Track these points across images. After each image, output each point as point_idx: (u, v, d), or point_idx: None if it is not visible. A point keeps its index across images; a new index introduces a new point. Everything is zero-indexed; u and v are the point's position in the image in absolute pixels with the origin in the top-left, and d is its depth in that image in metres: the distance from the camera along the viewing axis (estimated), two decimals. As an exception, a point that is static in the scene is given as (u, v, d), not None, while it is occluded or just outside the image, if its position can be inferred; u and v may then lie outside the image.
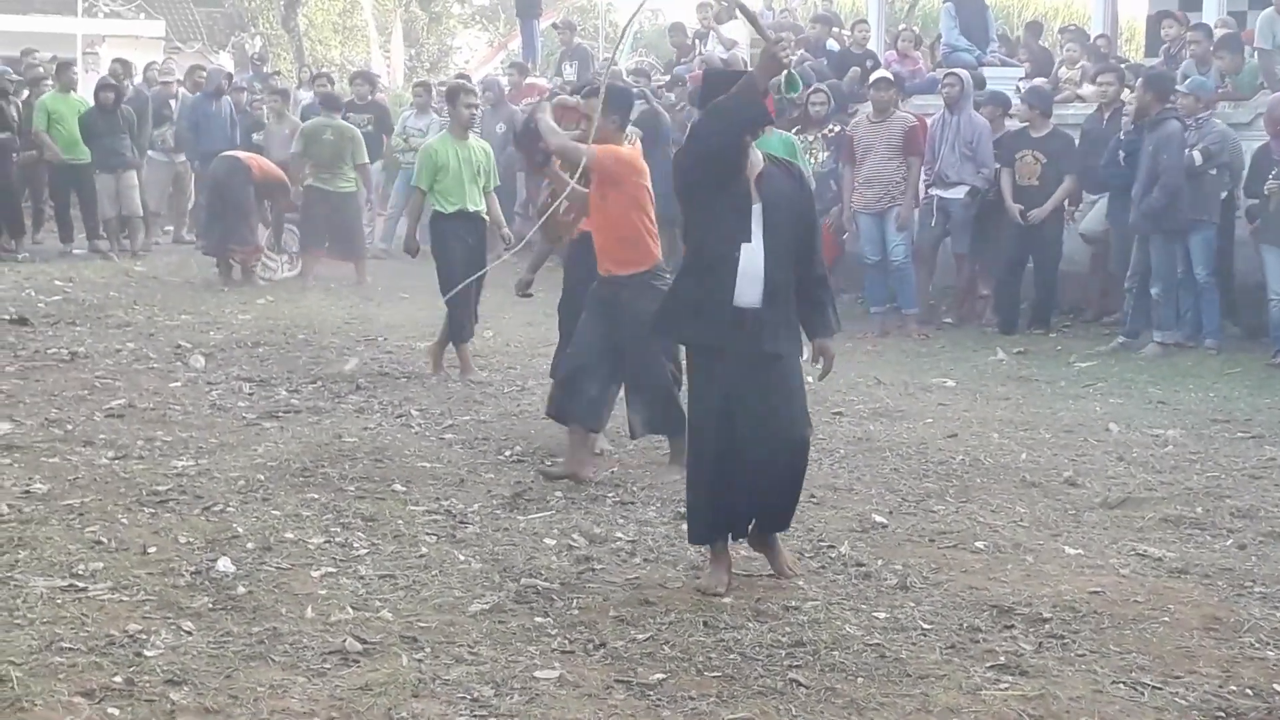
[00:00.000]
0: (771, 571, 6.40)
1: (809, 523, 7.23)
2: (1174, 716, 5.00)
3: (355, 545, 6.70)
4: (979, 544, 6.98)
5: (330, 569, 6.33)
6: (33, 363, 10.89)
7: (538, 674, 5.20)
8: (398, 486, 7.76)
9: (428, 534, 6.92)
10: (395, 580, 6.22)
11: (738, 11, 5.95)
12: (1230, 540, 7.15)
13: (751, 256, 6.06)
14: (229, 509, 7.19)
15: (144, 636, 5.40)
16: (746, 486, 6.22)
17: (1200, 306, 12.40)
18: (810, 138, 14.23)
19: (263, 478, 7.79)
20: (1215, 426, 9.67)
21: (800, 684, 5.18)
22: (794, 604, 6.02)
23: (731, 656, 5.44)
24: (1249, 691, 5.21)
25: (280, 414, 9.48)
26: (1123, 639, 5.71)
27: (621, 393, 8.30)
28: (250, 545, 6.61)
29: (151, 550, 6.47)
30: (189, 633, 5.49)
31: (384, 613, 5.79)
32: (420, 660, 5.30)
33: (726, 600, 6.04)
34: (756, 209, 6.09)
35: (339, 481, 7.80)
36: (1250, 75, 13.72)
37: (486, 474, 8.13)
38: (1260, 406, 10.25)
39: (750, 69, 6.37)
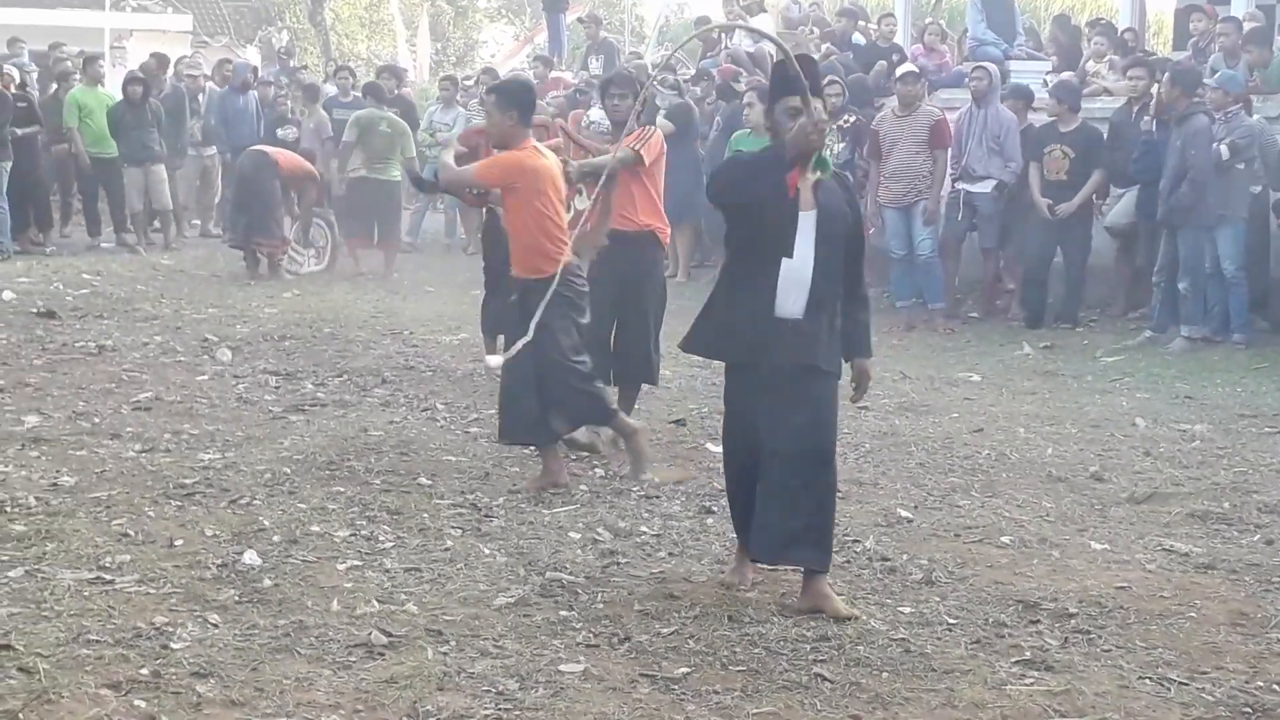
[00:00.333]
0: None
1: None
2: (1200, 712, 4.99)
3: (381, 538, 6.71)
4: (1005, 539, 6.97)
5: (356, 562, 6.34)
6: (60, 356, 10.93)
7: (562, 668, 5.20)
8: (423, 480, 7.77)
9: (453, 527, 6.93)
10: (420, 573, 6.23)
11: (794, 66, 5.77)
12: (1258, 535, 7.12)
13: (797, 267, 5.79)
14: (255, 502, 7.22)
15: (170, 629, 5.42)
16: (775, 503, 5.88)
17: (1228, 301, 12.34)
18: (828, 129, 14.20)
19: (289, 471, 7.81)
20: (1243, 421, 9.64)
21: (825, 678, 5.17)
22: (819, 598, 6.01)
23: (756, 651, 5.43)
24: (1276, 687, 5.19)
25: (306, 407, 9.50)
26: (1149, 634, 5.69)
27: None
28: (276, 538, 6.62)
29: (178, 543, 6.49)
30: (215, 625, 5.50)
31: (409, 606, 5.80)
32: (445, 653, 5.30)
33: (751, 595, 6.04)
34: (810, 216, 5.80)
35: (365, 475, 7.82)
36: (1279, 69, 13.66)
37: (511, 468, 8.13)
38: (1288, 401, 10.22)
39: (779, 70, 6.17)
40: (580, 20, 25.31)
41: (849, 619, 5.74)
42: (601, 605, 5.90)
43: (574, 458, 8.27)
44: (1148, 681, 5.23)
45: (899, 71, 14.38)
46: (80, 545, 6.39)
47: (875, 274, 14.56)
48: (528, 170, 7.67)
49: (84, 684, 4.86)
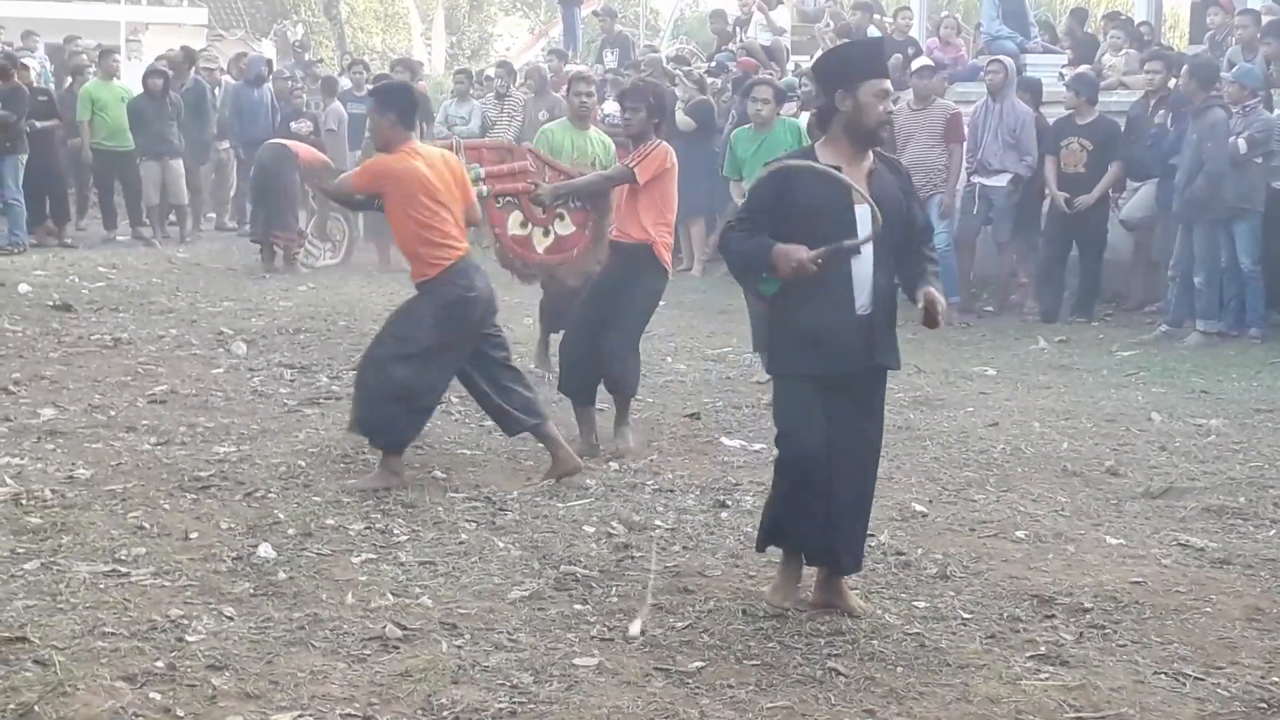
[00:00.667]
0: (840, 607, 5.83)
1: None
2: (1216, 707, 4.98)
3: (395, 532, 6.72)
4: (1020, 533, 6.96)
5: (370, 555, 6.35)
6: (76, 349, 10.95)
7: (577, 661, 5.21)
8: (438, 473, 7.78)
9: (467, 521, 6.94)
10: (435, 567, 6.24)
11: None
12: (1273, 530, 7.11)
13: (862, 265, 5.58)
14: (270, 495, 7.23)
15: (186, 622, 5.44)
16: (851, 513, 5.78)
17: (1244, 296, 12.30)
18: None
19: (304, 464, 7.82)
20: (1258, 416, 9.61)
21: (839, 673, 5.17)
22: (833, 593, 6.00)
23: (771, 645, 5.43)
24: (1292, 683, 5.18)
25: (321, 400, 9.52)
26: (1164, 629, 5.68)
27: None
28: (291, 531, 6.63)
29: (193, 536, 6.51)
30: (230, 618, 5.52)
31: (424, 599, 5.81)
32: (460, 647, 5.31)
33: (765, 589, 6.02)
34: (865, 211, 5.53)
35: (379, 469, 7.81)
36: (1297, 62, 13.61)
37: (526, 461, 8.13)
38: (1304, 396, 10.19)
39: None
40: (595, 14, 25.32)
41: (862, 615, 5.72)
42: (616, 599, 5.90)
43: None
44: (1163, 676, 5.22)
45: (914, 65, 14.36)
46: (96, 538, 6.41)
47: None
48: (393, 175, 7.51)
49: (99, 676, 4.87)
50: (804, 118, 12.15)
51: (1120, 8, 22.24)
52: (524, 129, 17.77)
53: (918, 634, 5.55)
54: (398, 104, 7.63)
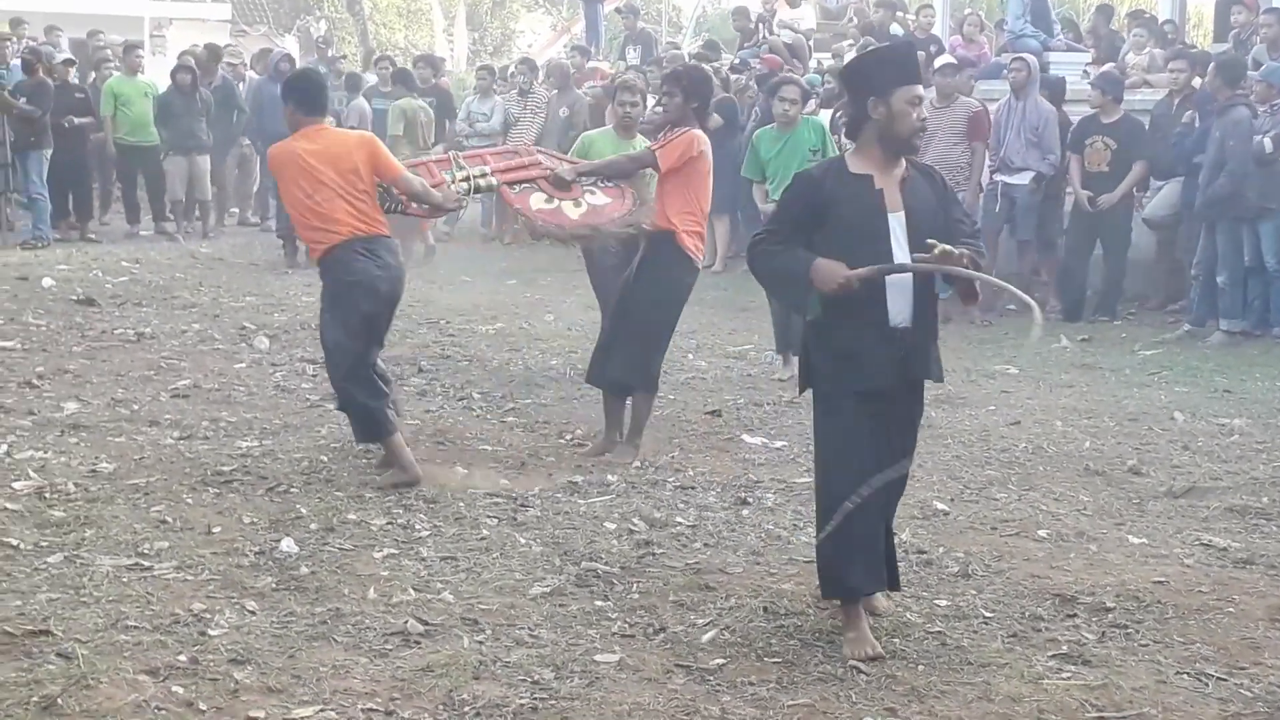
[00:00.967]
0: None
1: (870, 509, 7.22)
2: (1238, 708, 4.96)
3: (417, 527, 6.73)
4: (1041, 532, 6.94)
5: (392, 550, 6.37)
6: (100, 343, 10.99)
7: (598, 657, 5.21)
8: (459, 469, 7.78)
9: (489, 517, 6.95)
10: (456, 562, 6.24)
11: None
12: (1297, 531, 7.09)
13: (901, 276, 5.35)
14: (292, 490, 7.24)
15: (208, 616, 5.45)
16: (880, 538, 5.58)
17: (1268, 295, 12.25)
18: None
19: (326, 459, 7.84)
20: (1282, 416, 9.58)
21: (861, 671, 5.16)
22: (855, 590, 6.00)
23: (792, 643, 5.43)
24: (1315, 684, 5.17)
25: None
26: (1187, 629, 5.67)
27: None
28: (313, 526, 6.65)
29: (216, 530, 6.53)
30: (253, 612, 5.53)
31: (445, 594, 5.82)
32: (481, 642, 5.32)
33: (786, 587, 6.03)
34: (898, 218, 5.37)
35: (401, 463, 7.83)
36: (1322, 61, 13.55)
37: (547, 457, 8.14)
38: (1328, 396, 10.15)
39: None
40: (618, 10, 25.33)
41: (884, 614, 5.68)
42: (637, 595, 5.90)
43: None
44: (1185, 677, 5.20)
45: (937, 63, 14.33)
46: (119, 532, 6.43)
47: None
48: (275, 160, 7.66)
49: (122, 670, 4.89)
50: (824, 115, 12.16)
51: (1144, 6, 22.12)
52: (546, 126, 17.80)
53: (939, 632, 5.54)
54: (295, 92, 7.71)
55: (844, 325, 5.40)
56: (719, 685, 5.03)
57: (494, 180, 8.53)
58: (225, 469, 7.56)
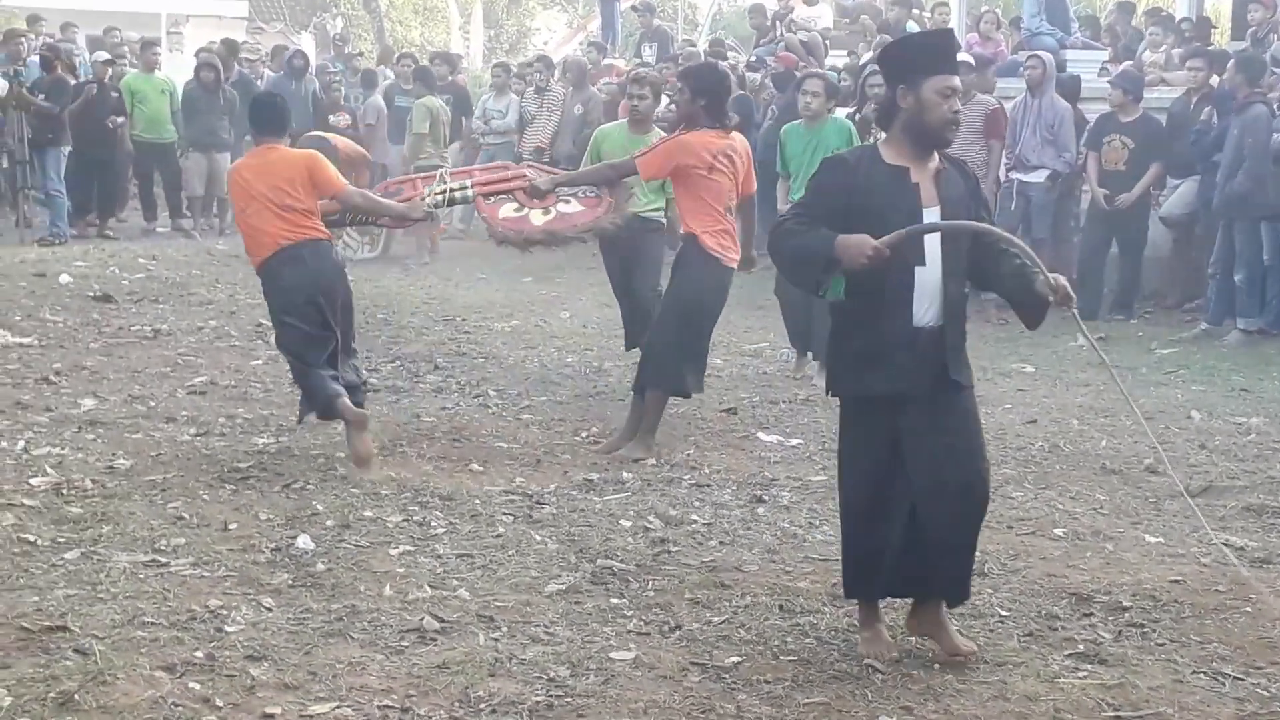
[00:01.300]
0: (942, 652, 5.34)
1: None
2: (1255, 707, 4.95)
3: (433, 524, 6.74)
4: (1058, 531, 6.93)
5: (408, 547, 6.37)
6: (117, 340, 11.02)
7: (613, 655, 5.21)
8: (475, 466, 7.80)
9: (504, 514, 6.96)
10: (472, 559, 6.25)
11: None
12: (1314, 530, 7.07)
13: (929, 271, 5.15)
14: (309, 486, 7.26)
15: (225, 612, 5.47)
16: (916, 544, 5.26)
17: (1286, 294, 12.23)
18: (871, 118, 14.12)
19: (342, 455, 7.84)
20: (1299, 415, 9.56)
21: (876, 669, 5.16)
22: (870, 589, 5.99)
23: (807, 641, 5.43)
24: (1332, 684, 5.15)
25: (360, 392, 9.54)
26: (1203, 628, 5.65)
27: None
28: (330, 523, 6.66)
29: (232, 527, 6.54)
30: (269, 609, 5.54)
31: (461, 592, 5.82)
32: (497, 639, 5.32)
33: (802, 585, 6.03)
34: (934, 214, 5.16)
35: (417, 460, 7.86)
36: (1340, 59, 13.52)
37: (563, 455, 8.15)
38: (1346, 395, 10.12)
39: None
40: (634, 8, 25.30)
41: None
42: (652, 593, 5.90)
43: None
44: (1202, 676, 5.19)
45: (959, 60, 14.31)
46: (136, 528, 6.45)
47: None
48: (227, 180, 8.18)
49: (139, 666, 4.90)
50: (841, 113, 12.12)
51: (1162, 4, 22.06)
52: (562, 123, 17.79)
53: (955, 631, 5.53)
54: (251, 114, 8.45)
55: (866, 326, 5.20)
56: (734, 683, 5.03)
57: (470, 193, 8.65)
58: (242, 465, 7.58)
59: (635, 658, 5.20)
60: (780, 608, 5.75)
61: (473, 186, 8.70)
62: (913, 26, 18.12)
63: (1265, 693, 5.05)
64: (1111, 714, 4.86)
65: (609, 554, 6.37)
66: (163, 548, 6.20)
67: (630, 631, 5.48)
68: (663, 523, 6.90)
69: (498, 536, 6.59)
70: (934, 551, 5.26)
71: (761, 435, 8.73)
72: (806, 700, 4.90)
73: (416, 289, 14.39)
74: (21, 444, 7.80)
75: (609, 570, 6.15)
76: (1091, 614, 5.80)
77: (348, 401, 7.75)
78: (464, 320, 12.57)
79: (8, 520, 6.45)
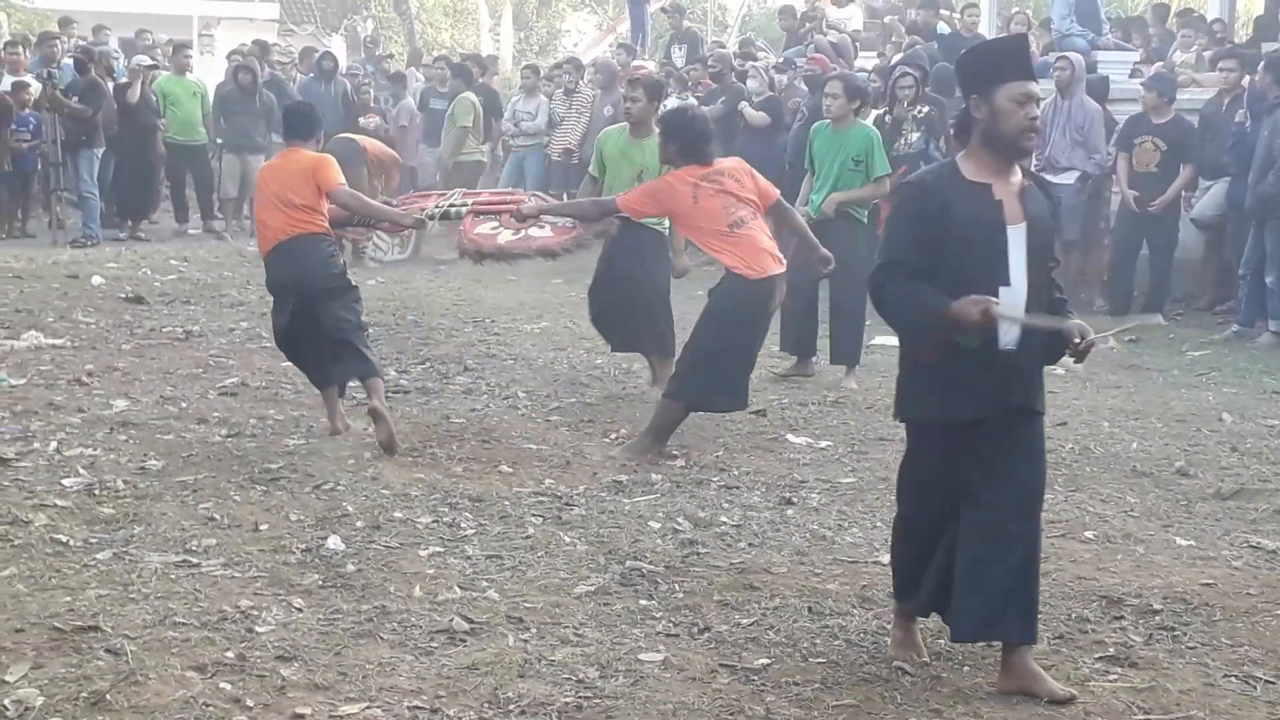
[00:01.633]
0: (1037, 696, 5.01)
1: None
2: (1287, 712, 4.93)
3: (463, 525, 6.75)
4: (1088, 534, 6.91)
5: (438, 548, 6.39)
6: (148, 341, 11.07)
7: (642, 656, 5.21)
8: (504, 468, 7.81)
9: (534, 515, 6.97)
10: (502, 561, 6.26)
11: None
12: (1346, 534, 7.03)
13: (1013, 295, 4.94)
14: (339, 487, 7.28)
15: (255, 612, 5.48)
16: (981, 575, 5.02)
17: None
18: (903, 119, 14.10)
19: (371, 457, 7.87)
20: (1331, 418, 9.51)
21: (906, 672, 5.15)
22: (900, 591, 5.98)
23: (837, 643, 5.43)
24: (1365, 688, 5.13)
25: (389, 394, 9.52)
26: (1235, 632, 5.63)
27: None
28: (360, 524, 6.68)
29: (263, 527, 6.57)
30: (299, 609, 5.56)
31: (490, 593, 5.83)
32: (526, 641, 5.33)
33: (831, 587, 6.02)
34: (1020, 230, 4.97)
35: (447, 462, 7.87)
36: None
37: (592, 456, 8.15)
38: (1379, 398, 10.07)
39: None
40: (663, 10, 25.32)
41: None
42: (681, 595, 5.91)
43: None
44: (1233, 679, 5.17)
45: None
46: (167, 528, 6.48)
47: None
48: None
49: (170, 666, 4.92)
50: (874, 114, 12.11)
51: (1193, 5, 21.98)
52: (591, 124, 17.79)
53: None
54: (283, 120, 8.97)
55: (951, 347, 4.99)
56: (763, 685, 5.03)
57: (463, 210, 8.99)
58: (273, 466, 7.61)
59: (664, 659, 5.20)
60: (809, 610, 5.75)
61: (473, 205, 9.03)
62: (942, 28, 18.11)
63: (1297, 696, 5.04)
64: (1142, 717, 4.85)
65: (638, 555, 6.37)
66: (194, 548, 6.22)
67: (659, 633, 5.48)
68: (692, 524, 6.91)
69: (527, 538, 6.60)
70: (998, 583, 5.00)
71: (790, 437, 8.72)
72: (835, 702, 4.90)
73: (446, 291, 14.42)
74: (54, 445, 7.85)
75: (638, 572, 6.15)
76: (1122, 617, 5.79)
77: (337, 403, 8.50)
78: (493, 322, 12.60)
79: (40, 521, 6.49)
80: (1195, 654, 5.41)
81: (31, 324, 11.35)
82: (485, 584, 5.94)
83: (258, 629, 5.33)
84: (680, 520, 6.95)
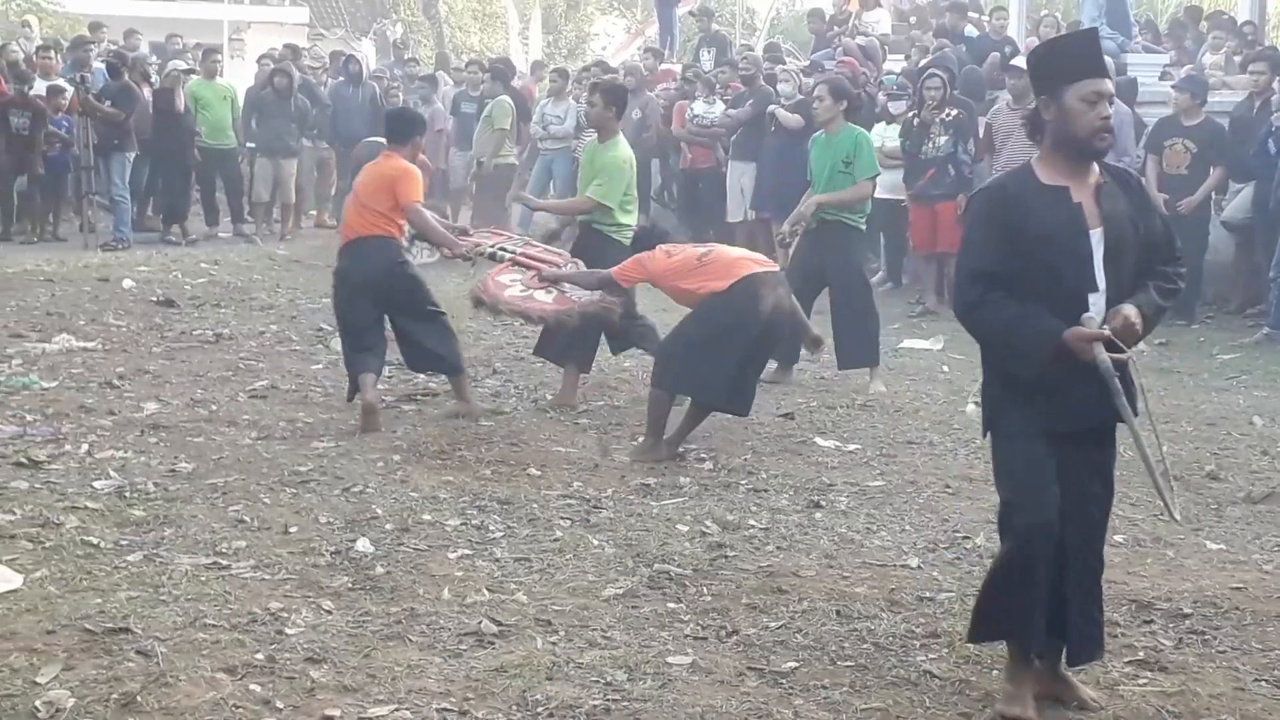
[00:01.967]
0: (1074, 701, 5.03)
1: (944, 513, 7.20)
2: (1318, 717, 4.91)
3: (491, 528, 6.76)
4: (1118, 537, 6.88)
5: (466, 551, 6.40)
6: (179, 344, 11.12)
7: (670, 659, 5.22)
8: (533, 470, 7.81)
9: (562, 518, 6.97)
10: (530, 563, 6.27)
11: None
12: (1378, 538, 6.99)
13: (1103, 300, 4.74)
14: (368, 490, 7.30)
15: (285, 615, 5.50)
16: (1090, 596, 4.97)
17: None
18: (930, 122, 14.08)
19: (400, 459, 7.89)
20: (1362, 421, 9.46)
21: (934, 675, 5.15)
22: (929, 595, 5.98)
23: (865, 646, 5.42)
24: (1396, 693, 5.10)
25: (418, 397, 9.60)
26: (1265, 636, 5.61)
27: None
28: (389, 526, 6.70)
29: (293, 530, 6.59)
30: (329, 612, 5.58)
31: (519, 595, 5.84)
32: (554, 643, 5.34)
33: (859, 590, 6.01)
34: (1098, 234, 4.74)
35: (475, 464, 7.88)
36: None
37: (621, 459, 8.16)
38: None
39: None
40: (691, 13, 25.31)
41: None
42: (709, 598, 5.91)
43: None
44: (1264, 684, 5.15)
45: (1011, 64, 14.26)
46: (197, 531, 6.50)
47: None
48: None
49: (200, 667, 4.94)
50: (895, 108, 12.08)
51: (1224, 8, 21.90)
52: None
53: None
54: (386, 125, 9.72)
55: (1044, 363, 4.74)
56: (791, 688, 5.03)
57: (507, 255, 9.43)
58: (302, 469, 7.63)
59: (692, 662, 5.20)
60: (837, 613, 5.74)
61: (518, 255, 9.43)
62: (970, 31, 18.08)
63: (1328, 701, 5.01)
64: (1171, 722, 4.84)
65: (666, 558, 6.37)
66: (224, 550, 6.25)
67: (687, 636, 5.49)
68: (720, 527, 6.91)
69: (555, 541, 6.61)
70: (1070, 601, 4.90)
71: (819, 440, 8.72)
72: (864, 706, 4.89)
73: (475, 294, 14.42)
74: (85, 447, 7.89)
75: (666, 575, 6.15)
76: (1152, 621, 5.77)
77: (368, 384, 8.74)
78: (522, 325, 12.58)
79: (72, 523, 6.52)
80: (1225, 658, 5.39)
81: (63, 327, 11.41)
82: (514, 586, 5.96)
83: (287, 631, 5.34)
84: (708, 523, 6.95)
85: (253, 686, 4.83)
